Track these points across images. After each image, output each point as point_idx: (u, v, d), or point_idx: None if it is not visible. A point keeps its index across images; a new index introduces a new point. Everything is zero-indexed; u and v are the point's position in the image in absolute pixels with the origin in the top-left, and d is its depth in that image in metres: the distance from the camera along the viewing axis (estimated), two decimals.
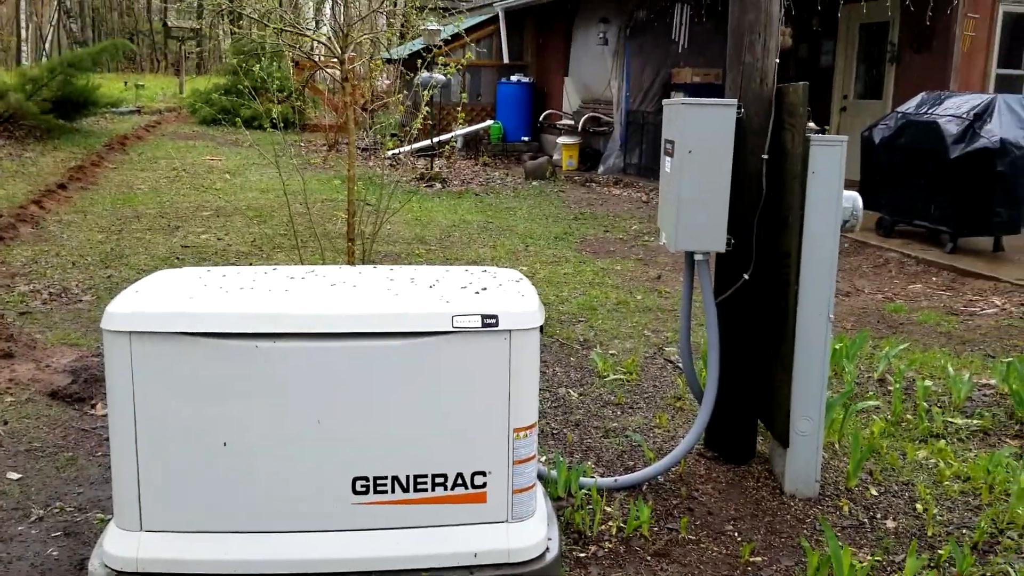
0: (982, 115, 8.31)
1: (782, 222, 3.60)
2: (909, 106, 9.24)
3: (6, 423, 4.15)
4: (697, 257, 3.73)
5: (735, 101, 3.61)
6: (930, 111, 8.83)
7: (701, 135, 3.53)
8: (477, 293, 2.93)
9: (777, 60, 3.71)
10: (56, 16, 40.62)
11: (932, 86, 10.12)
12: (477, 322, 2.76)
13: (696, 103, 3.55)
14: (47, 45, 38.05)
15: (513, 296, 2.91)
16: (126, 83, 30.12)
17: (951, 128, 8.40)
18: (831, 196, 3.41)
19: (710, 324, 3.75)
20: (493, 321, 2.77)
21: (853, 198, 3.53)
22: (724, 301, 3.80)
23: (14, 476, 3.66)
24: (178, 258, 7.74)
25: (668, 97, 11.90)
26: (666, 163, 3.77)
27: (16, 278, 6.79)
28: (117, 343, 2.68)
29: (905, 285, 7.67)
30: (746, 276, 3.72)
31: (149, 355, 2.69)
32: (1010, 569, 3.07)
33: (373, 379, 2.76)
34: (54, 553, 3.11)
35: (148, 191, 11.48)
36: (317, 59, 9.47)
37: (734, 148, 3.56)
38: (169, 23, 34.35)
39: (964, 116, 8.40)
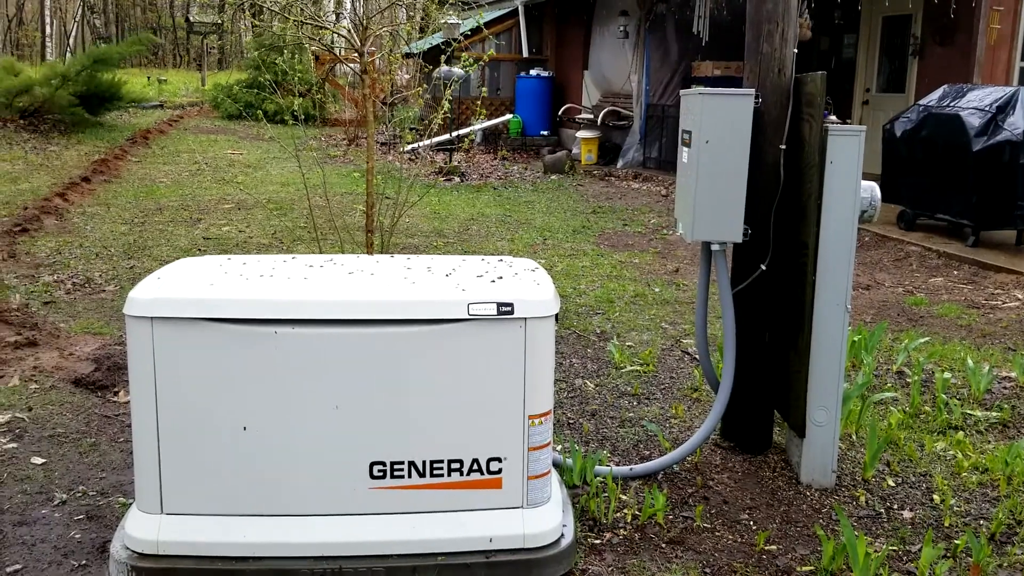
0: (1005, 108, 8.23)
1: (800, 212, 3.59)
2: (931, 99, 9.17)
3: (31, 409, 4.22)
4: (714, 247, 3.73)
5: (753, 91, 3.61)
6: (952, 104, 8.76)
7: (719, 125, 3.53)
8: (493, 282, 2.95)
9: (795, 50, 3.70)
10: (80, 12, 41.00)
11: (955, 79, 10.03)
12: (493, 310, 2.78)
13: (714, 93, 3.55)
14: (71, 40, 38.43)
15: (529, 285, 2.93)
16: (149, 78, 30.42)
17: (973, 121, 8.33)
18: (849, 186, 3.41)
19: (726, 314, 3.75)
20: (509, 309, 2.79)
21: (871, 188, 3.52)
22: (741, 292, 3.80)
23: (38, 461, 3.72)
24: (200, 249, 7.81)
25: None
26: (683, 154, 3.77)
27: (40, 268, 6.89)
28: (139, 328, 2.72)
29: (926, 278, 7.62)
30: (763, 267, 3.72)
31: (170, 340, 2.73)
32: None
33: (390, 365, 2.79)
34: (77, 536, 3.16)
35: (170, 184, 11.58)
36: (338, 52, 9.52)
37: (752, 138, 3.56)
38: (191, 18, 34.56)
39: (986, 109, 8.32)
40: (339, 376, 2.78)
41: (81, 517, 3.29)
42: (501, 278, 2.99)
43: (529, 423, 2.87)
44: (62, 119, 15.34)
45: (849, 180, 3.41)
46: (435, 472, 2.86)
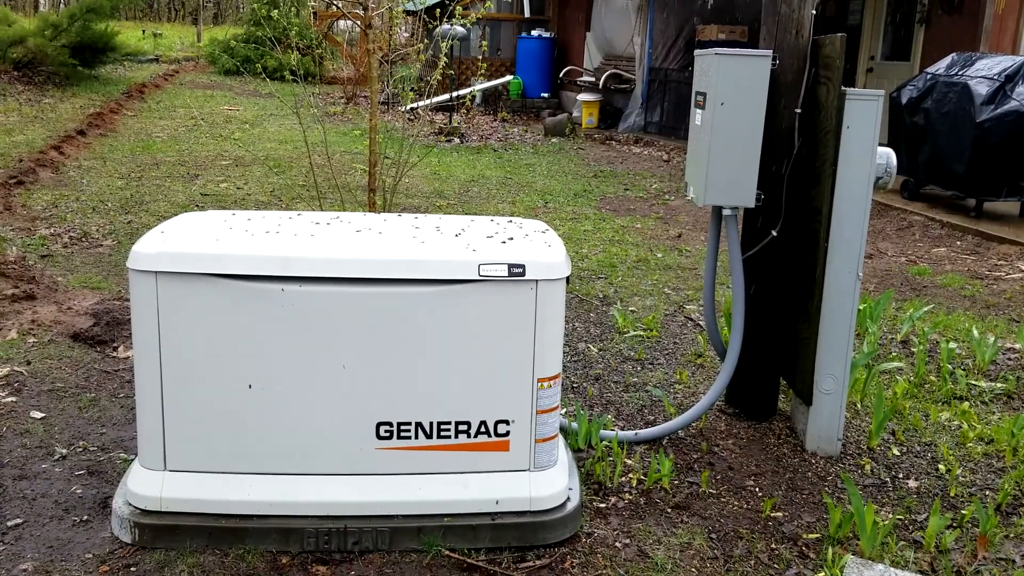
0: (1013, 77, 8.14)
1: (814, 178, 3.54)
2: (939, 67, 9.06)
3: (29, 363, 4.17)
4: (725, 212, 3.67)
5: (770, 52, 3.53)
6: (960, 72, 8.66)
7: (734, 87, 3.45)
8: (503, 243, 2.90)
9: (814, 12, 3.62)
10: None
11: (961, 48, 9.92)
12: (504, 271, 2.74)
13: (730, 53, 3.47)
14: None
15: (540, 246, 2.88)
16: (143, 32, 30.02)
17: (981, 90, 8.24)
18: (865, 151, 3.35)
19: (736, 280, 3.71)
20: (520, 271, 2.74)
21: (887, 154, 3.46)
22: (750, 258, 3.75)
23: (37, 415, 3.68)
24: (198, 205, 7.73)
25: (691, 55, 11.70)
26: (696, 116, 3.70)
27: (37, 222, 6.80)
28: (143, 283, 2.67)
29: (929, 248, 7.59)
30: (774, 232, 3.66)
31: (175, 295, 2.68)
32: None
33: (398, 325, 2.74)
34: (78, 491, 3.13)
35: (167, 139, 11.45)
36: (339, 6, 9.35)
37: (767, 101, 3.49)
38: None
39: (995, 78, 8.23)
40: (346, 335, 2.73)
41: (82, 472, 3.26)
42: (512, 239, 2.94)
43: (538, 386, 2.84)
44: (56, 71, 15.13)
45: (866, 146, 3.35)
46: (442, 433, 2.83)
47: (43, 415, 3.69)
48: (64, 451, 3.40)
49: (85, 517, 2.97)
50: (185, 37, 32.35)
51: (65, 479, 3.21)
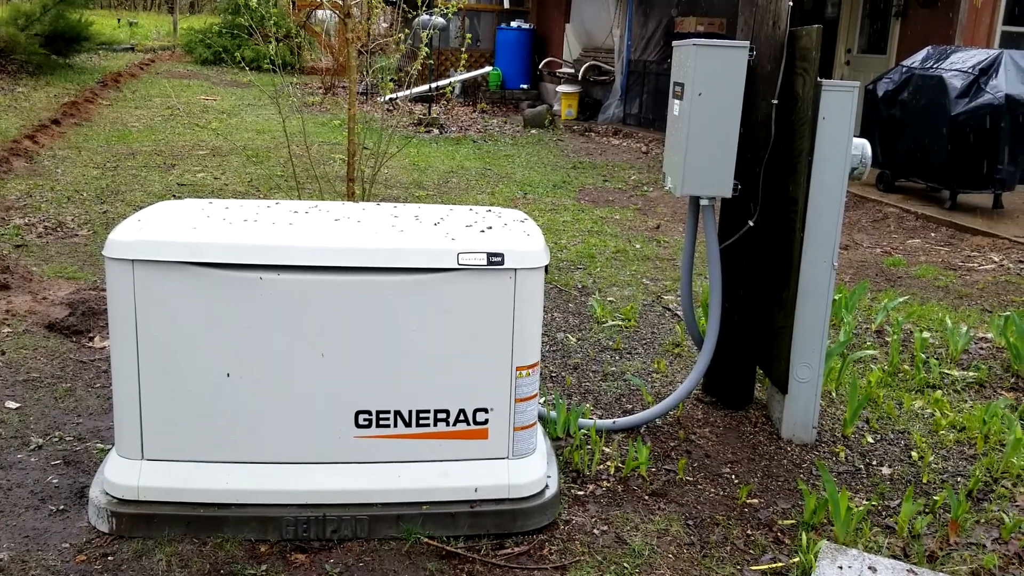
0: (988, 70, 8.22)
1: (790, 168, 3.57)
2: (914, 60, 9.14)
3: (3, 353, 4.14)
4: (703, 202, 3.69)
5: (747, 43, 3.55)
6: (935, 66, 8.74)
7: (712, 78, 3.47)
8: (482, 231, 2.91)
9: (791, 3, 3.65)
10: None
11: (937, 41, 10.00)
12: (483, 260, 2.74)
13: (708, 44, 3.48)
14: None
15: (518, 235, 2.89)
16: (119, 20, 29.69)
17: (955, 83, 8.32)
18: (841, 142, 3.38)
19: (713, 270, 3.73)
20: (499, 259, 2.75)
21: (862, 145, 3.50)
22: (727, 247, 3.78)
23: (12, 405, 3.65)
24: (174, 195, 7.66)
25: (670, 47, 11.72)
26: (674, 106, 3.72)
27: (11, 211, 6.73)
28: (119, 271, 2.66)
29: (904, 240, 7.67)
30: (751, 223, 3.69)
31: (151, 284, 2.66)
32: (1004, 516, 3.11)
33: (377, 314, 2.74)
34: (54, 481, 3.11)
35: (143, 129, 11.34)
36: None
37: (744, 92, 3.51)
38: None
39: (969, 71, 8.31)
40: (325, 324, 2.73)
41: (58, 462, 3.24)
42: (491, 228, 2.95)
43: (516, 374, 2.85)
44: (29, 60, 14.92)
45: (841, 136, 3.39)
46: (421, 422, 2.84)
47: (18, 405, 3.66)
48: (40, 441, 3.38)
49: (62, 507, 2.95)
50: (161, 26, 32.00)
51: (41, 469, 3.19)
